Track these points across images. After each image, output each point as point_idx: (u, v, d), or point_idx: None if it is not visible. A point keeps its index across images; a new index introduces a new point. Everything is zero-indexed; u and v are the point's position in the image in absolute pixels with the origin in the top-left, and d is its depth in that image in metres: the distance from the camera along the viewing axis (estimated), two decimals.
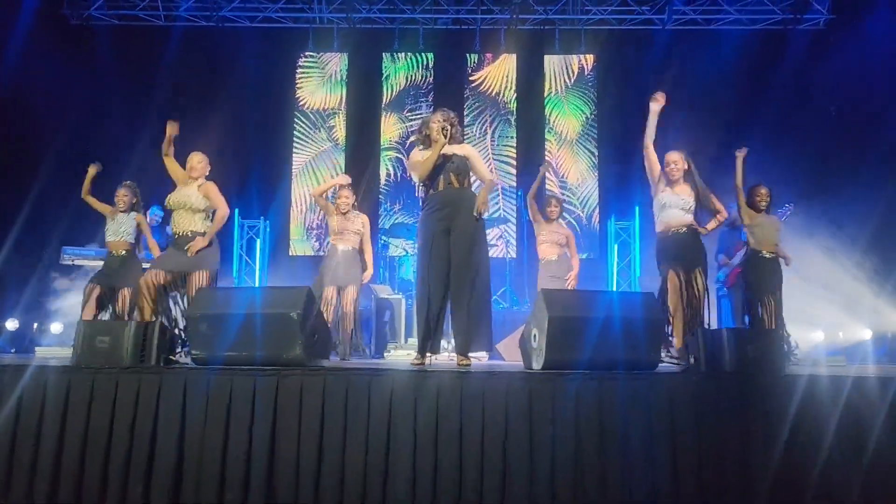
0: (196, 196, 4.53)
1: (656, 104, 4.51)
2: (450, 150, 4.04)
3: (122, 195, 5.49)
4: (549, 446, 3.00)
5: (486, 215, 4.09)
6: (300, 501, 2.98)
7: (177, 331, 3.88)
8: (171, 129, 4.54)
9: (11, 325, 7.49)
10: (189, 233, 4.45)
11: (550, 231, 5.96)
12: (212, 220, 4.55)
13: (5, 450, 3.06)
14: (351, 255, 5.49)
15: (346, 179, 5.68)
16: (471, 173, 4.13)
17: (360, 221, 5.60)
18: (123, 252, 5.37)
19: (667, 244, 4.56)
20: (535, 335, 3.46)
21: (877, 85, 8.11)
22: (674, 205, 4.55)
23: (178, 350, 3.62)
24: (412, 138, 5.37)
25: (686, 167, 4.59)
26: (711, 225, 4.64)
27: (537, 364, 3.40)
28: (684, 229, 4.53)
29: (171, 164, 4.63)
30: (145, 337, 3.23)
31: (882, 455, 3.03)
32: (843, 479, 3.01)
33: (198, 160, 4.61)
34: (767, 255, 5.22)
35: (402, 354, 6.00)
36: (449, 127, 4.03)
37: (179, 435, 3.05)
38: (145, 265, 5.35)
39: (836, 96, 8.61)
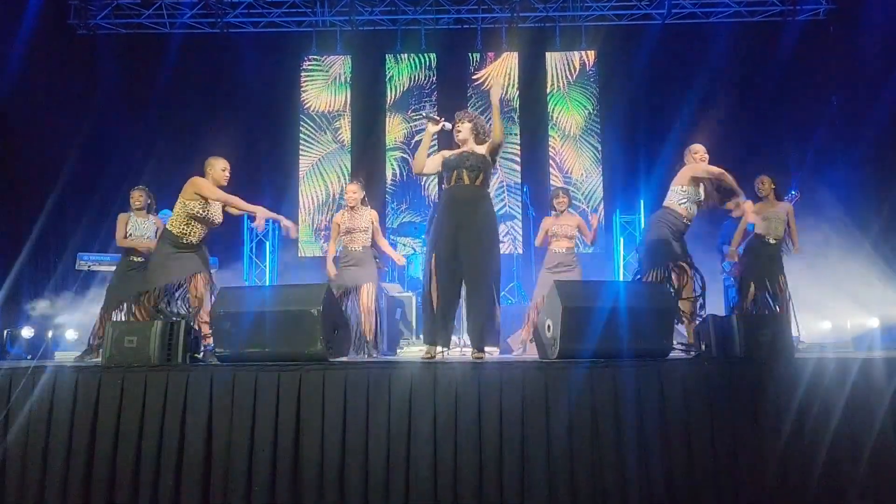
0: (221, 211, 4.64)
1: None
2: (474, 148, 4.09)
3: (138, 196, 5.56)
4: (566, 433, 3.08)
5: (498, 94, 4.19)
6: (325, 492, 3.07)
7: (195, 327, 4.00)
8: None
9: (27, 332, 7.58)
10: (202, 239, 4.58)
11: (560, 225, 5.85)
12: None
13: (39, 448, 3.15)
14: (361, 254, 5.45)
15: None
16: (489, 174, 4.12)
17: (369, 218, 5.53)
18: (143, 256, 5.39)
19: (679, 230, 4.65)
20: (549, 325, 3.55)
21: (877, 73, 8.16)
22: (694, 199, 4.66)
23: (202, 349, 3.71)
24: None
25: None
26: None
27: (552, 353, 3.48)
28: (690, 225, 4.72)
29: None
30: (171, 336, 3.32)
31: (889, 437, 3.11)
32: (851, 460, 3.09)
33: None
34: (772, 241, 5.37)
35: (414, 351, 6.08)
36: (465, 125, 4.11)
37: (207, 430, 3.15)
38: None
39: (836, 86, 8.67)
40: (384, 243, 5.62)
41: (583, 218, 6.05)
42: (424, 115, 4.05)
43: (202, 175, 4.56)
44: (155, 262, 4.52)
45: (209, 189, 4.46)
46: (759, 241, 5.41)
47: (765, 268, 5.34)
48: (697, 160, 4.69)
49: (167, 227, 4.57)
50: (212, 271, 4.66)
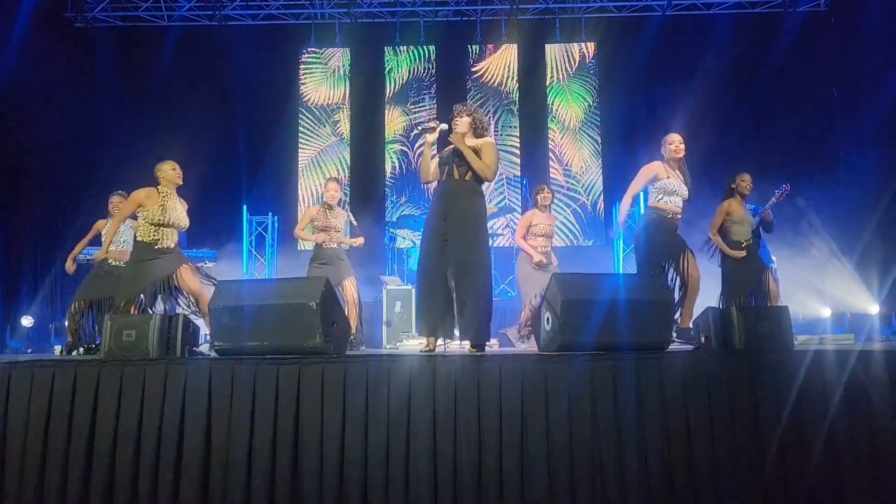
0: (184, 214, 4.60)
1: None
2: (471, 142, 4.00)
3: (118, 202, 5.41)
4: (565, 425, 3.07)
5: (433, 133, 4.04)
6: (325, 485, 3.07)
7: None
8: None
9: (27, 321, 7.58)
10: (176, 243, 4.55)
11: (546, 222, 5.78)
12: None
13: (38, 442, 3.15)
14: (337, 251, 5.48)
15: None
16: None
17: (345, 218, 5.58)
18: (122, 262, 5.21)
19: (666, 226, 4.61)
20: (548, 318, 3.54)
21: (878, 65, 8.13)
22: (678, 192, 4.61)
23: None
24: None
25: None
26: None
27: (551, 346, 3.47)
28: (679, 217, 4.66)
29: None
30: (170, 329, 3.32)
31: (888, 428, 3.11)
32: (850, 451, 3.08)
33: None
34: (743, 244, 5.27)
35: (413, 344, 6.08)
36: (464, 119, 4.04)
37: (206, 423, 3.14)
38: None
39: (837, 77, 8.64)
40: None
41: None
42: (420, 129, 4.01)
43: (155, 180, 4.54)
44: (133, 269, 4.48)
45: (130, 205, 4.50)
46: (737, 247, 5.27)
47: (749, 274, 5.23)
48: (668, 152, 4.67)
49: (137, 238, 4.51)
50: (209, 264, 4.64)
